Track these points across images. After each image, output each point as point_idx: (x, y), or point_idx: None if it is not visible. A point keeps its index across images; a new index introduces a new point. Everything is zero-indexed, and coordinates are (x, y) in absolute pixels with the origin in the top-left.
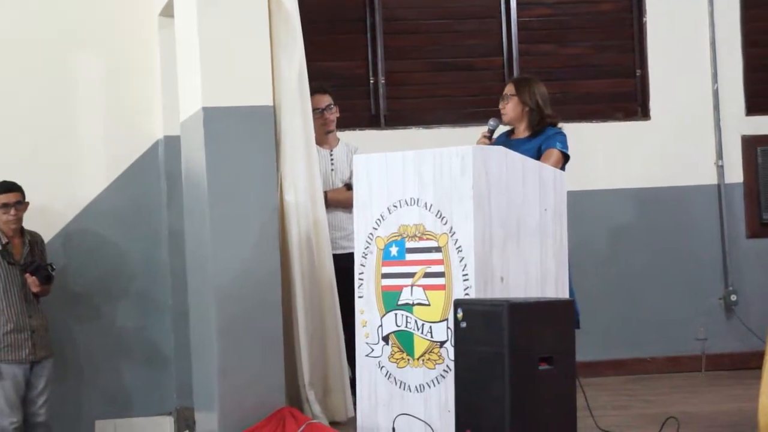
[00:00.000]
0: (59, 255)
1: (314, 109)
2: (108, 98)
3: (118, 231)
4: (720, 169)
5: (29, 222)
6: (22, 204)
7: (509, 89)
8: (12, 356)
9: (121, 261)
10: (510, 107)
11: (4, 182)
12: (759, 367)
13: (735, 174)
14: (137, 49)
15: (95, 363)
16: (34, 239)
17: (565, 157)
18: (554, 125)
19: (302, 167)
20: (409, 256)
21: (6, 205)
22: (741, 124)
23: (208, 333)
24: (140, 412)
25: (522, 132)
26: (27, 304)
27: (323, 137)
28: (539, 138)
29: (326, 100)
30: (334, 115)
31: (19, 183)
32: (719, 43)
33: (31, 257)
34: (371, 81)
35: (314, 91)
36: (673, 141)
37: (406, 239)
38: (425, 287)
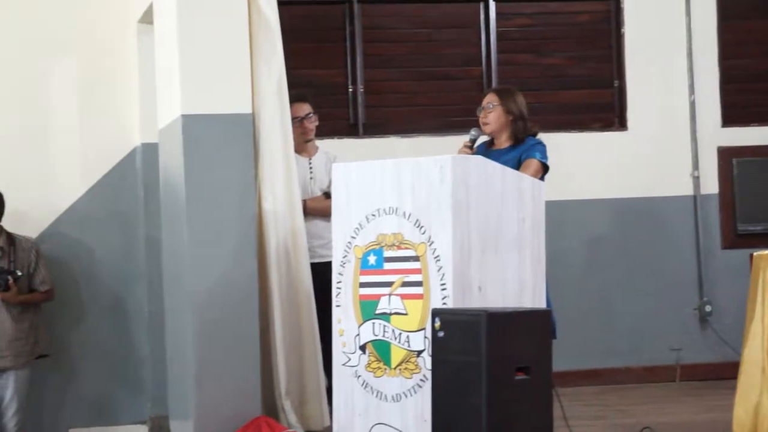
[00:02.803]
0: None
1: (293, 118)
2: (85, 105)
3: (95, 238)
4: (696, 180)
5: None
6: None
7: (492, 99)
8: None
9: (97, 268)
10: (493, 117)
11: None
12: (733, 377)
13: (711, 185)
14: (115, 56)
15: (70, 371)
16: (17, 245)
17: (545, 168)
18: (534, 135)
19: (281, 175)
20: (387, 265)
21: None
22: (717, 135)
23: (184, 341)
24: (115, 421)
25: (503, 142)
26: None
27: (302, 145)
28: (519, 148)
29: (306, 108)
30: (313, 123)
31: None
32: (696, 55)
33: (6, 264)
34: (350, 89)
35: (294, 99)
36: (650, 152)
37: (385, 248)
38: (403, 296)
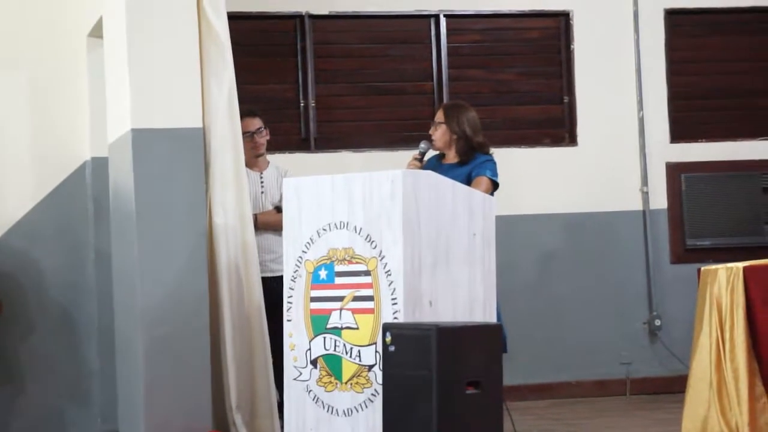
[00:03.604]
0: None
1: (244, 133)
2: (34, 118)
3: (44, 252)
4: (645, 195)
5: None
6: None
7: (439, 116)
8: None
9: (46, 282)
10: (438, 134)
11: None
12: (682, 391)
13: (659, 200)
14: (65, 70)
15: (19, 385)
16: None
17: (495, 185)
18: (485, 152)
19: (231, 190)
20: (338, 280)
21: None
22: (665, 150)
23: (134, 356)
24: None
25: (452, 158)
26: None
27: (253, 160)
28: (470, 165)
29: (256, 123)
30: (264, 138)
31: None
32: (644, 71)
33: None
34: (301, 104)
35: (244, 114)
36: (600, 167)
37: (336, 263)
38: (354, 311)
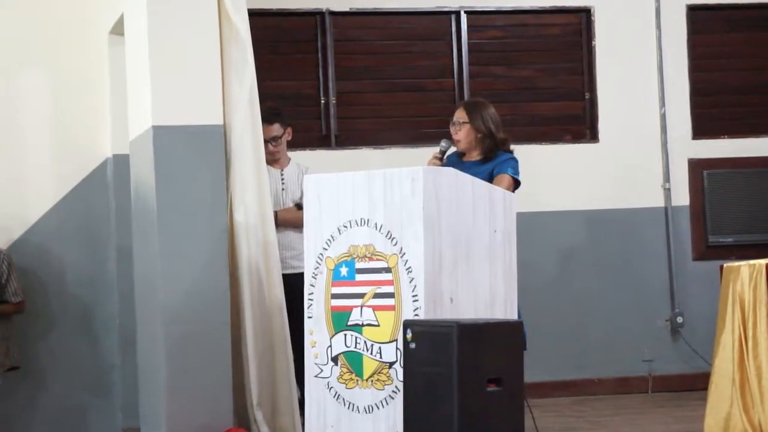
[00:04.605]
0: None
1: None
2: (56, 116)
3: (66, 249)
4: (667, 192)
5: None
6: None
7: (460, 115)
8: None
9: (68, 279)
10: (463, 134)
11: None
12: (704, 388)
13: (682, 197)
14: (86, 67)
15: (41, 382)
16: None
17: (516, 183)
18: (507, 149)
19: (252, 187)
20: (359, 277)
21: None
22: (688, 147)
23: (156, 353)
24: None
25: (474, 156)
26: None
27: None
28: (491, 162)
29: (272, 131)
30: (279, 146)
31: None
32: (666, 68)
33: None
34: (322, 101)
35: (262, 119)
36: (621, 164)
37: (356, 260)
38: (375, 308)
